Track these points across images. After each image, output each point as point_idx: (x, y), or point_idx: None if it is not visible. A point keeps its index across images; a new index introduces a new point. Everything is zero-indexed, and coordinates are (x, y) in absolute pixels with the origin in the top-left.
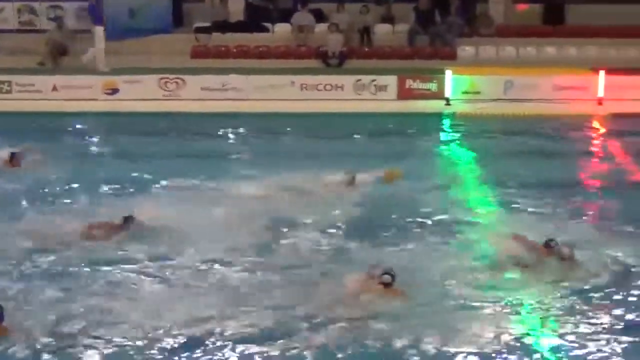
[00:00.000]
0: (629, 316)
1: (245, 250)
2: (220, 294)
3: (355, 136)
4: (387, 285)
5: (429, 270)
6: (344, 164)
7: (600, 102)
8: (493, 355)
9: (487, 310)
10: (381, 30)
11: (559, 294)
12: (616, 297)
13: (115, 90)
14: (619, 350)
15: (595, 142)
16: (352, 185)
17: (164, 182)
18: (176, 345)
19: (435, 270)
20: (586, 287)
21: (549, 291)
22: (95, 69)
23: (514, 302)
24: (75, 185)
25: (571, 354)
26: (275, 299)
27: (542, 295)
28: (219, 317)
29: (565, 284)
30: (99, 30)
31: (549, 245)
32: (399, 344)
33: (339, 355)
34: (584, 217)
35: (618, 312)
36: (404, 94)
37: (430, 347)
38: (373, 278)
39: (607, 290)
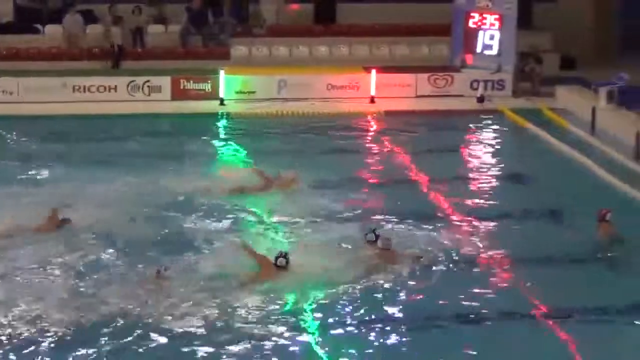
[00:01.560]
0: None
1: None
2: None
3: (129, 137)
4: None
5: None
6: (118, 165)
7: (372, 100)
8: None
9: None
10: (154, 31)
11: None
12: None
13: None
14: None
15: (368, 139)
16: None
17: None
18: None
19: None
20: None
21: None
22: None
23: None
24: None
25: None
26: None
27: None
28: None
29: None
30: None
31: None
32: None
33: None
34: (355, 212)
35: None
36: (178, 94)
37: None
38: None
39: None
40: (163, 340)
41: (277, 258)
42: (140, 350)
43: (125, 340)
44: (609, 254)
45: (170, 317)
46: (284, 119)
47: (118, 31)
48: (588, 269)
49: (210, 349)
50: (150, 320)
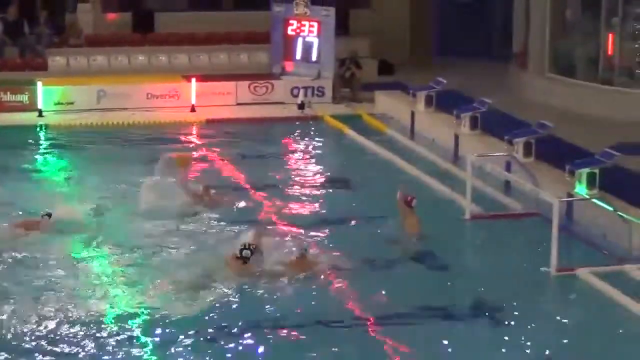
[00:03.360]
0: None
1: None
2: None
3: None
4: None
5: None
6: None
7: (193, 109)
8: None
9: None
10: None
11: None
12: None
13: None
14: None
15: (190, 148)
16: None
17: None
18: None
19: None
20: None
21: None
22: None
23: None
24: None
25: None
26: None
27: None
28: None
29: None
30: None
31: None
32: None
33: None
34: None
35: None
36: None
37: None
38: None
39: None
40: None
41: (241, 250)
42: None
43: None
44: (423, 255)
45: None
46: (103, 130)
47: None
48: (407, 271)
49: None
50: None
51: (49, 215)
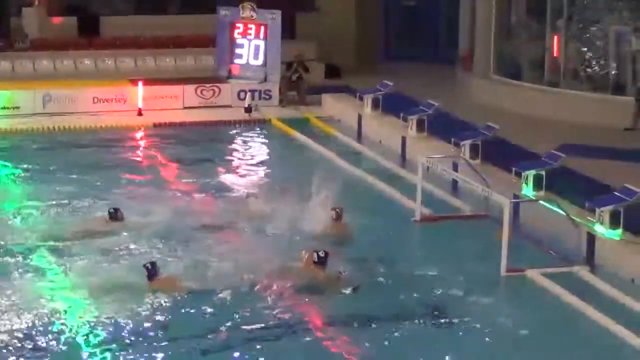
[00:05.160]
0: None
1: None
2: None
3: None
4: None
5: None
6: None
7: (140, 112)
8: None
9: None
10: None
11: None
12: None
13: None
14: None
15: (137, 152)
16: None
17: None
18: None
19: None
20: None
21: None
22: None
23: None
24: None
25: None
26: None
27: None
28: None
29: None
30: None
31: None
32: None
33: None
34: None
35: None
36: None
37: None
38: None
39: None
40: None
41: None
42: None
43: None
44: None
45: None
46: (49, 134)
47: None
48: (358, 275)
49: None
50: None
51: (116, 210)
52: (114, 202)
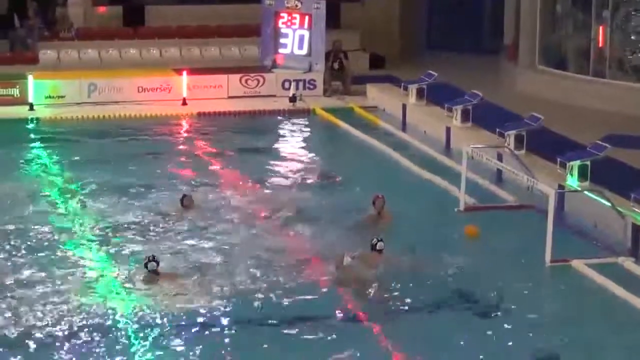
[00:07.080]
0: None
1: None
2: None
3: None
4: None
5: None
6: None
7: (184, 102)
8: None
9: None
10: None
11: None
12: None
13: None
14: None
15: (181, 141)
16: None
17: None
18: None
19: None
20: None
21: None
22: None
23: None
24: None
25: None
26: None
27: None
28: None
29: None
30: None
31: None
32: None
33: None
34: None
35: None
36: None
37: None
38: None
39: None
40: None
41: (146, 263)
42: None
43: None
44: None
45: None
46: (94, 123)
47: None
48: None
49: None
50: None
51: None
52: (164, 191)
